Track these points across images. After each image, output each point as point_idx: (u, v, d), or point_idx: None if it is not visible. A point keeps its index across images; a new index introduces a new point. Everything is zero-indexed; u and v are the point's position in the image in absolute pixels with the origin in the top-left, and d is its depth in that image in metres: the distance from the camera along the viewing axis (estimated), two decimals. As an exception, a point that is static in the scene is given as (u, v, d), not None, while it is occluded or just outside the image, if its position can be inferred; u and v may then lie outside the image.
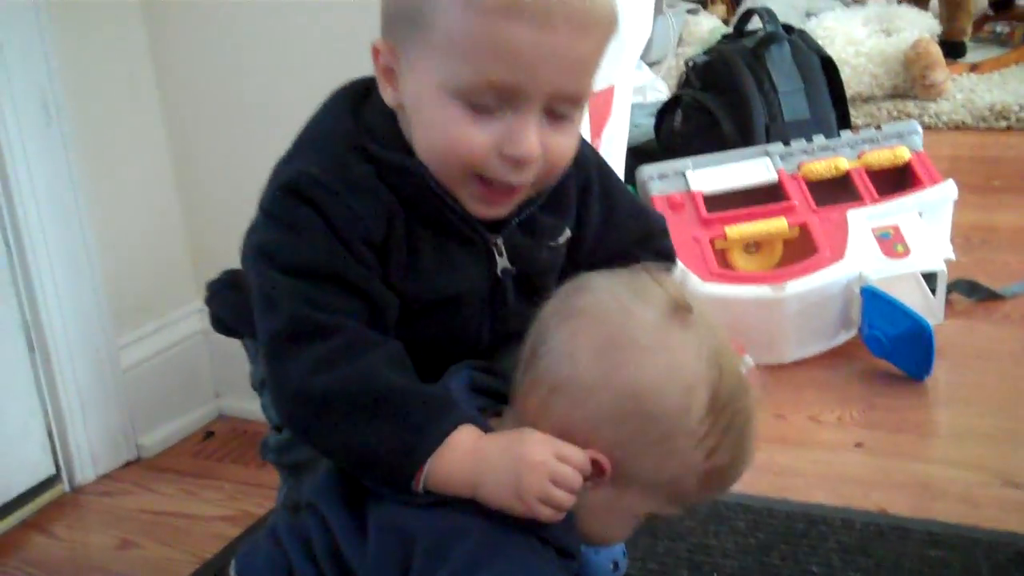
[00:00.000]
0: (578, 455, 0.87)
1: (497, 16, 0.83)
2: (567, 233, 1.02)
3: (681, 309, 0.88)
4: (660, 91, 3.10)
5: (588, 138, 1.59)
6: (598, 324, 0.89)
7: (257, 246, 0.93)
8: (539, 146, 0.88)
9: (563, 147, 0.91)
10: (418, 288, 0.95)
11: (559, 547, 0.91)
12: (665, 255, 1.10)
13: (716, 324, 0.91)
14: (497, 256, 0.98)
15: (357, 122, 0.95)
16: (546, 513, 0.86)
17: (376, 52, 0.92)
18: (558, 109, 0.89)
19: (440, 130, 0.89)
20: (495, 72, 0.85)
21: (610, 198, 1.06)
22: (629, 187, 1.95)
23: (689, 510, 1.35)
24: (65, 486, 1.62)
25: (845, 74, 2.58)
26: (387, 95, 0.93)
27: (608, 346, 0.88)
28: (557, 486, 0.86)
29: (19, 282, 1.54)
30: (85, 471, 1.63)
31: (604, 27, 0.88)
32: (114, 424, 1.66)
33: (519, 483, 0.85)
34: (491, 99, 0.86)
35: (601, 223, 1.05)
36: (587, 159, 1.03)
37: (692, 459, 0.89)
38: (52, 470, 1.61)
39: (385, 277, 0.92)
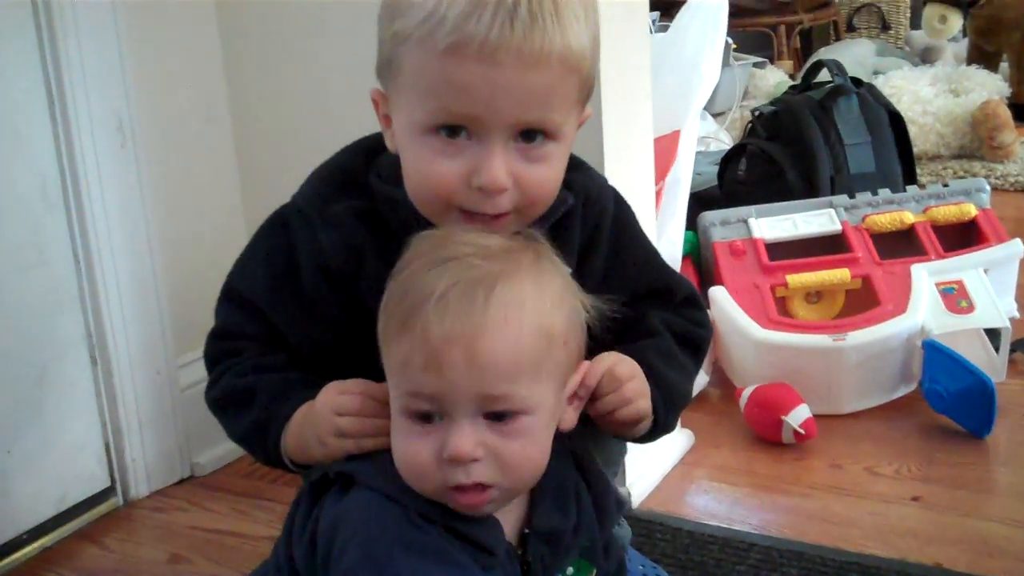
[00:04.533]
0: (356, 384, 0.94)
1: (446, 55, 0.87)
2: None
3: None
4: (723, 142, 3.10)
5: (652, 181, 1.60)
6: None
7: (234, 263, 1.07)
8: (506, 175, 0.91)
9: (539, 177, 0.93)
10: None
11: (475, 541, 0.89)
12: (683, 321, 1.07)
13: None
14: None
15: (369, 162, 1.01)
16: (346, 445, 0.93)
17: (375, 102, 0.98)
18: (530, 140, 0.92)
19: (415, 166, 0.93)
20: (451, 105, 0.89)
21: (619, 248, 1.06)
22: (687, 232, 1.97)
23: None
24: (119, 499, 1.64)
25: (912, 132, 2.57)
26: (388, 140, 0.98)
27: None
28: (342, 416, 0.93)
29: (86, 296, 1.57)
30: (139, 486, 1.65)
31: (562, 60, 0.89)
32: (170, 441, 1.68)
33: (315, 430, 0.94)
34: (450, 130, 0.90)
35: (604, 271, 1.05)
36: (603, 208, 1.05)
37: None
38: (107, 483, 1.63)
39: (356, 303, 0.97)
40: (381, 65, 0.94)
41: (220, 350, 1.04)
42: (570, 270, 0.98)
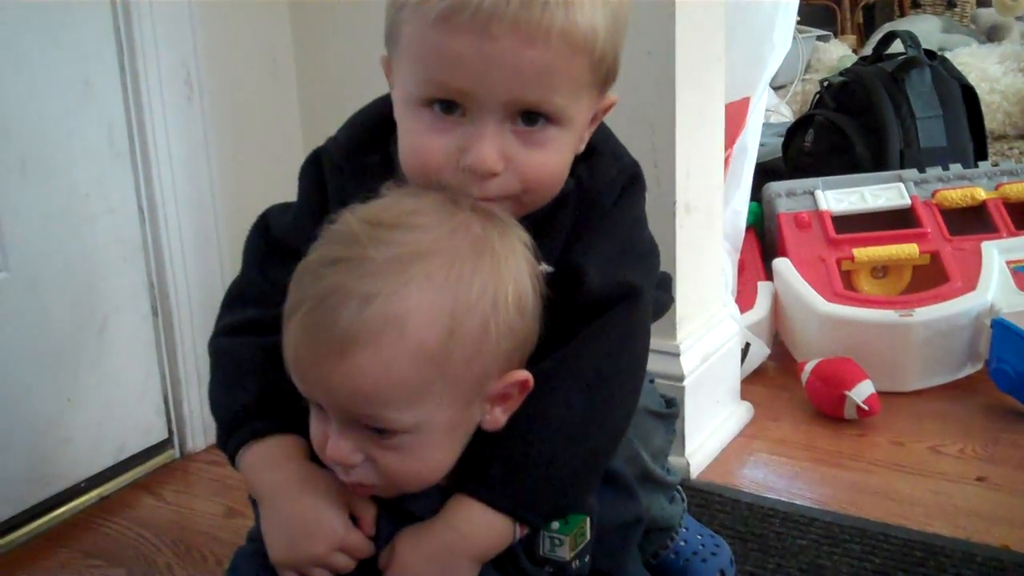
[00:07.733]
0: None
1: (439, 25, 0.82)
2: (541, 266, 0.93)
3: None
4: (784, 115, 3.06)
5: (722, 146, 1.57)
6: None
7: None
8: (498, 158, 0.85)
9: (536, 162, 0.87)
10: None
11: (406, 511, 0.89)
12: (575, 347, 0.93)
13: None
14: None
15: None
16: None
17: (384, 68, 0.94)
18: (531, 123, 0.86)
19: (406, 139, 0.89)
20: (443, 77, 0.84)
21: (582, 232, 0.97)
22: (751, 203, 1.94)
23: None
24: (176, 452, 1.65)
25: (979, 110, 2.51)
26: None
27: None
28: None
29: (149, 248, 1.57)
30: (196, 439, 1.65)
31: (564, 38, 0.83)
32: (228, 396, 1.68)
33: (290, 526, 0.89)
34: (444, 105, 0.85)
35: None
36: (598, 195, 0.96)
37: None
38: (165, 435, 1.64)
39: None
40: (386, 32, 0.90)
41: (250, 294, 1.00)
42: (549, 269, 0.90)
